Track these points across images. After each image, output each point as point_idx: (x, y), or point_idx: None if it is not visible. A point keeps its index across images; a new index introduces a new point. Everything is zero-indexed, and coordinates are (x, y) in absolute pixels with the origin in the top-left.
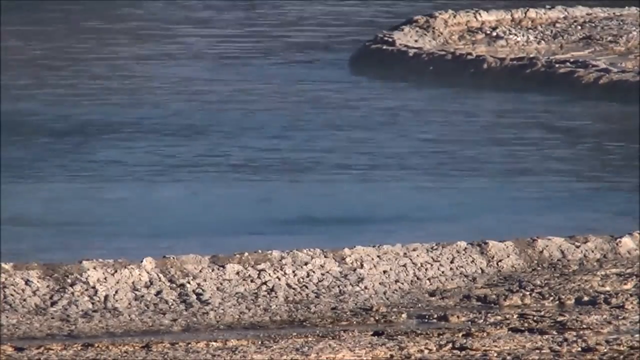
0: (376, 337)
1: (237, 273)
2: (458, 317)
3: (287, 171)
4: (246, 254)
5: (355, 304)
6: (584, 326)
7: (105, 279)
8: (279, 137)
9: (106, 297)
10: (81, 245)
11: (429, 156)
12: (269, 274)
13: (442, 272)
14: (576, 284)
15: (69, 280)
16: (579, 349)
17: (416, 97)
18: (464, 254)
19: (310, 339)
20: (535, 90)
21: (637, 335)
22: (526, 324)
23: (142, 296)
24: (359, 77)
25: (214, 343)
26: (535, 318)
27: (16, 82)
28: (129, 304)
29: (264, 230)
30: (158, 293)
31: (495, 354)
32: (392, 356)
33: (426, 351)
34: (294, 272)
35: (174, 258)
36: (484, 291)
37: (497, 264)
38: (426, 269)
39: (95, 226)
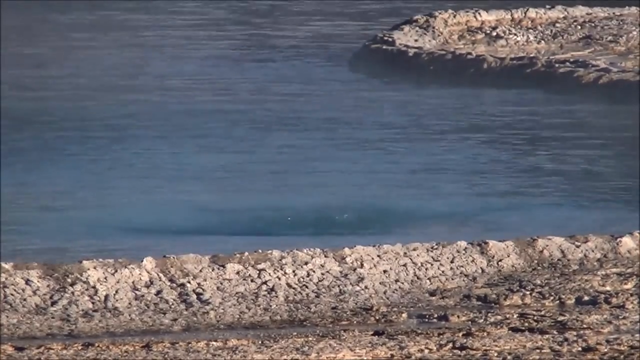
0: (376, 336)
1: (237, 273)
2: (458, 316)
3: (285, 170)
4: (246, 253)
5: (356, 304)
6: (585, 326)
7: (105, 278)
8: (278, 135)
9: (106, 296)
10: (81, 245)
11: (430, 156)
12: (269, 274)
13: (443, 271)
14: (576, 284)
15: (69, 280)
16: (580, 348)
17: (416, 96)
18: (464, 254)
19: (310, 338)
20: (535, 90)
21: (637, 335)
22: (526, 324)
23: (143, 296)
24: (359, 76)
25: (214, 343)
26: (535, 318)
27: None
28: (129, 303)
29: (265, 229)
30: (158, 293)
31: (496, 354)
32: (392, 356)
33: (426, 351)
34: (294, 271)
35: (174, 258)
36: (484, 291)
37: (498, 264)
38: (426, 269)
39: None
